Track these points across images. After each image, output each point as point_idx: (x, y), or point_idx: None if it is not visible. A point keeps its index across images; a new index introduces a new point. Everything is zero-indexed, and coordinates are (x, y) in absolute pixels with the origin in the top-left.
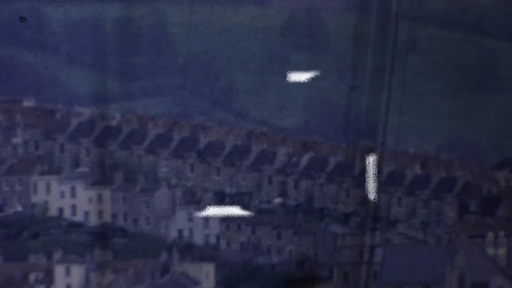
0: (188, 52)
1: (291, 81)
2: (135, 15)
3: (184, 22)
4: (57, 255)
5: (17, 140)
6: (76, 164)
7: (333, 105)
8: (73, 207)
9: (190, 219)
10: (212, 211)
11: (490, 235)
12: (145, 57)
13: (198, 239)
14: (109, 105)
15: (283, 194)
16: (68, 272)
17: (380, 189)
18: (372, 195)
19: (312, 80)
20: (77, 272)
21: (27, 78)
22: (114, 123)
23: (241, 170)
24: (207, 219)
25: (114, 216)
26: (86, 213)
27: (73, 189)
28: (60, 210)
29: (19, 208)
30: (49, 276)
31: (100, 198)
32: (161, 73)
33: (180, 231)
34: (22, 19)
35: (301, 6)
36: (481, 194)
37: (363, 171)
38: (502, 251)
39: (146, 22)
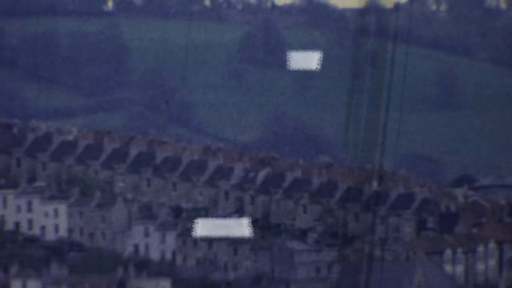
0: (144, 67)
1: (248, 96)
2: (92, 29)
3: (141, 37)
4: (13, 270)
5: None
6: (32, 178)
7: (291, 121)
8: (30, 222)
9: (146, 234)
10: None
11: (448, 251)
12: (101, 72)
13: (154, 255)
14: (65, 120)
15: (240, 209)
16: (24, 286)
17: (337, 205)
18: (329, 211)
19: (269, 95)
20: (34, 286)
21: None
22: (70, 137)
23: (198, 185)
24: (163, 234)
25: (70, 230)
26: (43, 228)
27: (29, 204)
28: (17, 224)
29: None
30: None
31: (56, 212)
32: (117, 88)
33: (136, 246)
34: None
35: (258, 22)
36: (439, 210)
37: (321, 187)
38: (460, 267)
39: (103, 37)
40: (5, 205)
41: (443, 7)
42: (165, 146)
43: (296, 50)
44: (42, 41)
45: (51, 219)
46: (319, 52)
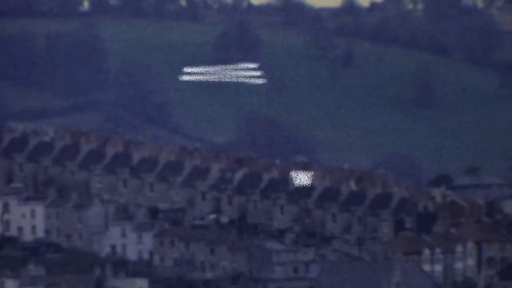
0: (120, 68)
1: (225, 96)
2: (68, 30)
3: (118, 38)
4: None
5: None
6: (9, 180)
7: (267, 121)
8: (7, 223)
9: (123, 234)
10: None
11: (426, 251)
12: (77, 73)
13: (132, 255)
14: (42, 121)
15: (217, 210)
16: (2, 287)
17: (314, 205)
18: (306, 211)
19: (246, 96)
20: (11, 287)
21: None
22: (47, 138)
23: (175, 186)
24: (140, 234)
25: (47, 231)
26: (20, 229)
27: (6, 205)
28: None
29: None
30: None
31: (33, 213)
32: (93, 89)
33: (113, 247)
34: None
35: (234, 21)
36: (417, 210)
37: (297, 187)
38: (438, 267)
39: (79, 38)
40: None
41: (419, 6)
42: (141, 147)
43: (272, 50)
44: (18, 42)
45: (28, 220)
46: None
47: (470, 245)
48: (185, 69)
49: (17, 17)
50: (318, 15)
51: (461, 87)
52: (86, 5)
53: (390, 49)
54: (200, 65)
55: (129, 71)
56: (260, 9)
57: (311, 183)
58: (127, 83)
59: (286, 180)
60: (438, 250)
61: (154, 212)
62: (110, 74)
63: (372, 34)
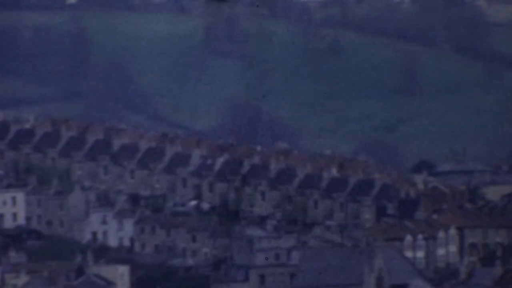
0: (104, 58)
1: (207, 85)
2: (55, 23)
3: (103, 29)
4: None
5: None
6: None
7: (249, 108)
8: None
9: (104, 221)
10: None
11: (408, 238)
12: (59, 61)
13: (113, 242)
14: (23, 109)
15: (198, 196)
16: None
17: (296, 192)
18: (287, 197)
19: (229, 84)
20: None
21: None
22: (28, 126)
23: (156, 173)
24: (121, 221)
25: (28, 218)
26: (1, 216)
27: None
28: None
29: None
30: None
31: (14, 200)
32: (75, 77)
33: (94, 234)
34: None
35: (222, 13)
36: (399, 196)
37: (279, 173)
38: (421, 254)
39: (63, 28)
40: None
41: None
42: (122, 134)
43: (258, 41)
44: (4, 34)
45: (9, 207)
46: None
47: (452, 231)
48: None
49: (5, 9)
50: (306, 6)
51: (447, 77)
52: None
53: (377, 41)
54: (184, 56)
55: (113, 61)
56: (247, 1)
57: (293, 170)
58: (110, 72)
59: (267, 167)
60: (420, 236)
61: (135, 199)
62: (93, 64)
63: (359, 25)
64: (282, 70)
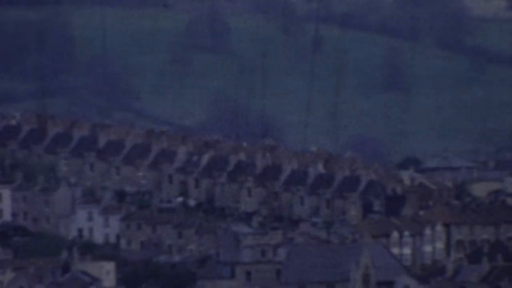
0: (89, 54)
1: (192, 81)
2: (39, 17)
3: (88, 25)
4: None
5: None
6: None
7: (235, 105)
8: None
9: (90, 218)
10: None
11: (395, 234)
12: (46, 58)
13: (98, 238)
14: (8, 105)
15: (184, 193)
16: None
17: (282, 188)
18: (273, 194)
19: (214, 80)
20: None
21: None
22: (13, 122)
23: (142, 169)
24: (107, 218)
25: (14, 215)
26: None
27: None
28: None
29: None
30: None
31: (0, 197)
32: (61, 74)
33: (80, 230)
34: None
35: (204, 8)
36: (385, 193)
37: (265, 170)
38: (407, 250)
39: (50, 24)
40: None
41: None
42: (108, 130)
43: (241, 36)
44: None
45: None
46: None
47: (439, 228)
48: (154, 55)
49: None
50: (289, 1)
51: (431, 72)
52: None
53: (360, 35)
54: (169, 51)
55: (97, 57)
56: None
57: (279, 166)
58: (95, 68)
59: (253, 163)
60: (406, 233)
61: (121, 195)
62: (78, 60)
63: (342, 20)
64: (266, 65)
